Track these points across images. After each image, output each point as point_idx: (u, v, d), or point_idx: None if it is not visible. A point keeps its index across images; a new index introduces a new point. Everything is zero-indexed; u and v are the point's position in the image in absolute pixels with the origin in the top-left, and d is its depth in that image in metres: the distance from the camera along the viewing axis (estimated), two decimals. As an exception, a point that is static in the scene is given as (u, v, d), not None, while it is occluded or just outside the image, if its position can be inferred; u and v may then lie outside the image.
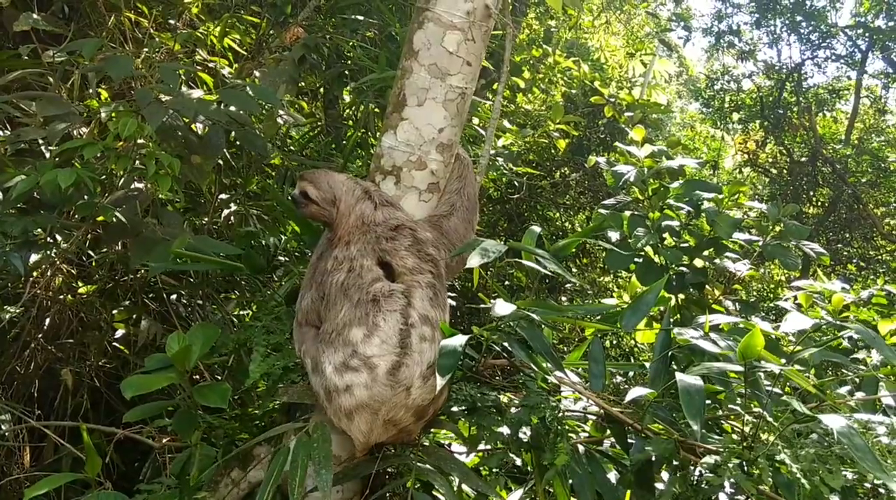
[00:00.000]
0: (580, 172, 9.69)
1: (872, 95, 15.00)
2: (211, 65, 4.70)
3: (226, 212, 4.79)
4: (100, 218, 3.64)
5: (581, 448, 2.94)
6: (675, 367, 2.97)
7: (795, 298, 4.68)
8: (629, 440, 2.85)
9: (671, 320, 3.28)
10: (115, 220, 3.56)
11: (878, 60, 14.57)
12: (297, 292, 3.13)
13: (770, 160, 14.78)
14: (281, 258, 4.93)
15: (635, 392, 2.58)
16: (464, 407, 3.04)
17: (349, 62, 5.16)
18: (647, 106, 7.86)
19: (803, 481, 2.37)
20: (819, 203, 12.88)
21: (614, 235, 4.24)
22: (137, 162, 3.78)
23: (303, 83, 5.66)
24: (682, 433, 2.68)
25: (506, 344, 2.80)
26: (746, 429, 2.58)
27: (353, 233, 2.76)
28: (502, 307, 2.66)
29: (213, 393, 2.72)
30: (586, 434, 3.22)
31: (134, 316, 4.40)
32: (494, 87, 6.13)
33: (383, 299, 2.64)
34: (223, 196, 4.86)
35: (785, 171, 13.61)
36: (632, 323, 3.00)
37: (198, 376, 3.87)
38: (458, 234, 2.92)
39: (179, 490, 2.91)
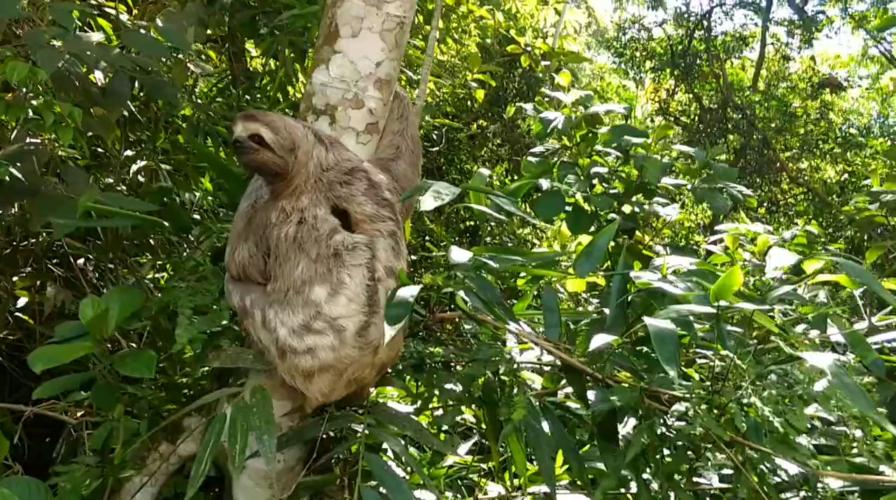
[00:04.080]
0: (498, 123, 9.54)
1: (778, 42, 15.26)
2: (108, 10, 4.28)
3: (134, 167, 4.42)
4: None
5: (534, 402, 2.79)
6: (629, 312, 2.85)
7: (721, 240, 4.65)
8: (588, 391, 2.72)
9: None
10: (8, 178, 3.18)
11: (784, 7, 14.79)
12: (222, 251, 2.87)
13: (680, 109, 14.93)
14: (196, 216, 4.63)
15: (599, 340, 2.43)
16: (411, 363, 2.86)
17: (262, 4, 4.77)
18: (563, 55, 7.74)
19: (776, 423, 2.27)
20: (730, 149, 13.08)
21: (545, 184, 4.11)
22: (31, 113, 3.41)
23: (210, 31, 5.25)
24: (645, 381, 2.56)
25: (461, 295, 2.60)
26: (714, 372, 2.46)
27: (308, 182, 2.47)
28: (458, 254, 2.46)
29: (136, 362, 2.43)
30: (538, 387, 3.07)
31: (38, 283, 4.02)
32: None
33: (346, 253, 2.41)
34: (129, 153, 4.48)
35: (696, 118, 13.76)
36: (585, 269, 2.84)
37: (111, 346, 3.57)
38: (408, 179, 2.69)
39: (102, 469, 2.63)
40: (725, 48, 14.50)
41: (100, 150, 4.54)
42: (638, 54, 14.54)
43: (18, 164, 3.36)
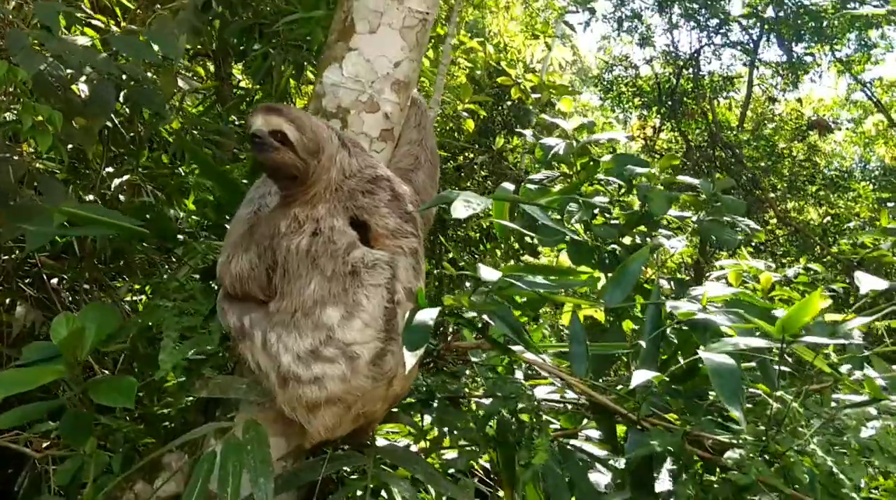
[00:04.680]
0: (486, 154, 9.36)
1: (763, 84, 15.27)
2: (95, 23, 4.02)
3: (117, 181, 4.12)
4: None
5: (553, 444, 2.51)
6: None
7: (724, 277, 4.46)
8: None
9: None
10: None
11: (773, 47, 14.82)
12: (214, 267, 2.58)
13: (666, 147, 14.82)
14: (179, 237, 4.35)
15: (641, 376, 2.16)
16: (418, 397, 2.58)
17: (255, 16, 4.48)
18: (553, 88, 7.62)
19: (841, 476, 2.02)
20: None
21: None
22: (9, 115, 3.14)
23: (200, 45, 4.97)
24: (687, 424, 2.29)
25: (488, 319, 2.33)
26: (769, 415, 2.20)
27: (328, 190, 2.19)
28: (488, 273, 2.19)
29: (113, 389, 2.13)
30: (556, 427, 2.80)
31: (7, 301, 3.70)
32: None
33: (365, 271, 2.14)
34: (109, 169, 4.20)
35: (683, 156, 13.65)
36: (616, 297, 2.58)
37: (84, 371, 3.24)
38: (427, 193, 2.44)
39: (68, 510, 2.31)
40: (713, 88, 14.47)
41: (77, 164, 4.27)
42: (625, 88, 14.44)
43: (-8, 172, 3.11)
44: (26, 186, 3.29)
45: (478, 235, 8.12)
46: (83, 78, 3.30)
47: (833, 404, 2.36)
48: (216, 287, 2.59)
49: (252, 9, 4.50)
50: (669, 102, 13.99)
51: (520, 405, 2.52)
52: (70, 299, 4.08)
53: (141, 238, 2.87)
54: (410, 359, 1.96)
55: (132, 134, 4.32)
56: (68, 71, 3.17)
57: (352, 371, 2.10)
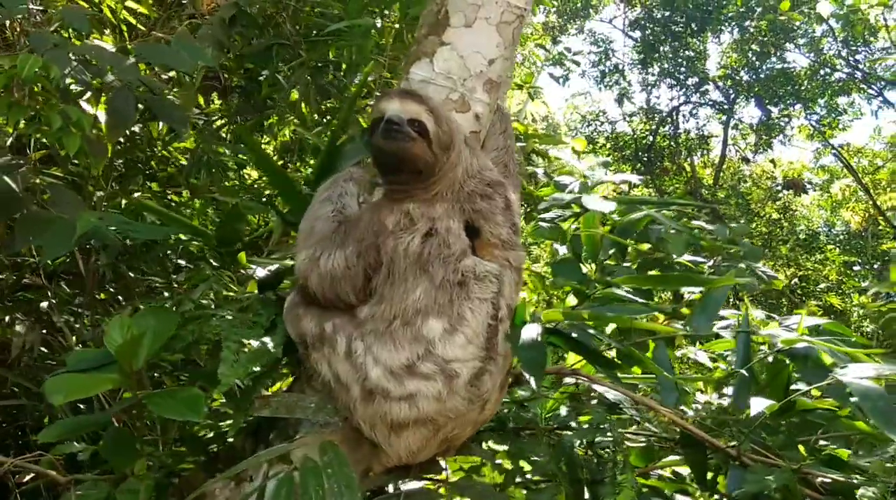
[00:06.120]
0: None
1: (737, 145, 15.54)
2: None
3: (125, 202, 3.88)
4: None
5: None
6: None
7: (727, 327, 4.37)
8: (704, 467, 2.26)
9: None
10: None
11: (746, 107, 15.11)
12: (273, 278, 2.38)
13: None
14: (181, 262, 4.11)
15: (758, 404, 1.98)
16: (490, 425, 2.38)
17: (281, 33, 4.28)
18: (538, 137, 7.60)
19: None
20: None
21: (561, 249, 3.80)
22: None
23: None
24: (792, 460, 2.11)
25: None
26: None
27: (451, 189, 2.01)
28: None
29: (177, 401, 1.87)
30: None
31: (7, 318, 3.42)
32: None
33: (474, 283, 1.95)
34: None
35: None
36: (703, 324, 2.43)
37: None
38: (517, 204, 2.26)
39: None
40: (688, 146, 14.67)
41: (77, 180, 4.03)
42: (604, 140, 14.56)
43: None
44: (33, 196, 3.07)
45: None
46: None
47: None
48: (275, 297, 2.38)
49: (275, 28, 4.32)
50: (646, 158, 14.12)
51: (597, 438, 2.33)
52: (71, 320, 3.81)
53: (206, 242, 2.64)
54: (535, 382, 1.77)
55: (140, 149, 4.13)
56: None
57: (448, 391, 1.90)
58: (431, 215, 1.97)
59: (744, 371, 2.25)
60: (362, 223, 2.00)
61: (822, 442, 2.31)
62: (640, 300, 2.27)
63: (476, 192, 2.03)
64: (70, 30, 3.44)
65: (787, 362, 2.32)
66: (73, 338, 3.59)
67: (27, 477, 3.06)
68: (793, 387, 2.31)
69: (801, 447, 2.24)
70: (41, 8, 3.38)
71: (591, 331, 2.31)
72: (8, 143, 3.14)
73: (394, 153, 1.98)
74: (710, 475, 2.29)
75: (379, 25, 3.84)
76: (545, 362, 1.85)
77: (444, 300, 1.91)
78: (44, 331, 3.47)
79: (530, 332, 1.93)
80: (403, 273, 1.93)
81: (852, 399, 2.14)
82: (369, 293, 1.99)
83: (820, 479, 2.09)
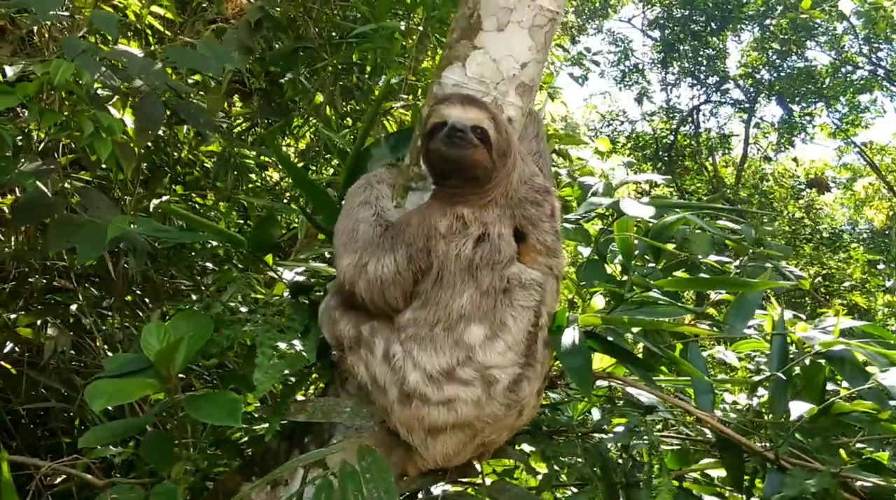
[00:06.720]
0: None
1: (758, 143, 15.44)
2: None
3: (155, 202, 3.90)
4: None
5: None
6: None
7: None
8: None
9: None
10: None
11: (766, 106, 15.01)
12: (307, 282, 2.38)
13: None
14: (208, 264, 4.14)
15: (799, 408, 1.97)
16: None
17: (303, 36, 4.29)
18: (559, 137, 7.59)
19: None
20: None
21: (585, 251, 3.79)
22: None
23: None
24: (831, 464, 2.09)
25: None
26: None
27: (505, 196, 2.01)
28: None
29: (216, 406, 1.88)
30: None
31: (38, 322, 3.44)
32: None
33: (518, 290, 1.95)
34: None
35: (681, 211, 13.70)
36: (738, 327, 2.41)
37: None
38: (559, 210, 2.26)
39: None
40: (709, 145, 14.58)
41: (105, 184, 4.05)
42: (624, 139, 14.50)
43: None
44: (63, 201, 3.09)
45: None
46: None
47: None
48: (307, 302, 2.38)
49: (298, 32, 4.33)
50: (666, 157, 14.05)
51: (633, 441, 2.32)
52: (99, 322, 3.84)
53: (239, 246, 2.65)
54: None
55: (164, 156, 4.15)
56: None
57: (487, 396, 1.91)
58: (484, 220, 1.96)
59: (781, 374, 2.23)
60: (411, 227, 1.99)
61: (858, 445, 2.29)
62: (671, 302, 2.25)
63: (527, 198, 2.03)
64: (97, 35, 3.48)
65: (823, 364, 2.30)
66: (100, 340, 3.62)
67: (57, 479, 3.09)
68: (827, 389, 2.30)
69: (841, 451, 2.22)
70: (68, 14, 3.40)
71: (629, 334, 2.33)
72: (40, 148, 3.16)
73: (456, 160, 1.96)
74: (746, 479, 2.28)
75: (403, 28, 3.85)
76: (591, 368, 1.84)
77: (488, 307, 1.92)
78: (71, 333, 3.50)
79: (570, 337, 1.92)
80: (452, 278, 1.93)
81: (892, 402, 2.13)
82: (413, 297, 1.98)
83: (860, 483, 2.07)
